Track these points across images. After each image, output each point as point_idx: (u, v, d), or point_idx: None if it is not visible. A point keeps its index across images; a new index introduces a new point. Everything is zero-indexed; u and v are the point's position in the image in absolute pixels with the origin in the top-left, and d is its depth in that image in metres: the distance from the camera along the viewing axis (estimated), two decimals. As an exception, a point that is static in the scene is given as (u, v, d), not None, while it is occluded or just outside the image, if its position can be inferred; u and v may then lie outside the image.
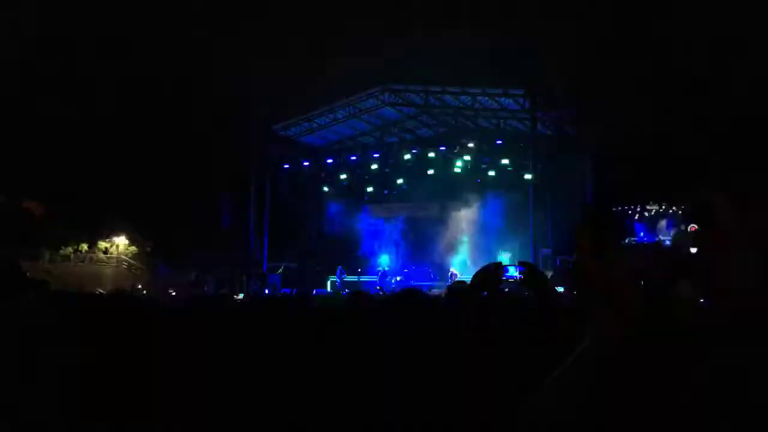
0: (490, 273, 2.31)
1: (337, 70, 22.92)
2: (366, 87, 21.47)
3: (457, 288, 3.08)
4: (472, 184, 21.02)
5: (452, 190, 21.17)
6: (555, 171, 19.14)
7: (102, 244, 29.76)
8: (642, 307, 0.92)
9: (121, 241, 30.37)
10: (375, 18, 24.40)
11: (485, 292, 2.51)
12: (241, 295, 18.14)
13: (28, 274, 2.45)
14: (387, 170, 22.55)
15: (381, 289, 18.04)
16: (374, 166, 22.57)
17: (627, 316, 0.89)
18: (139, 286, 21.02)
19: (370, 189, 23.40)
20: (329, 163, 23.39)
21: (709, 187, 0.95)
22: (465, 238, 20.90)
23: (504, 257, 18.72)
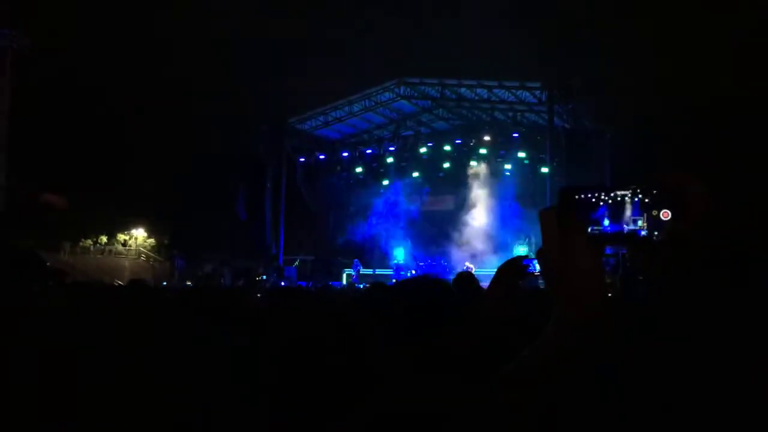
0: (516, 266, 2.30)
1: (353, 64, 22.90)
2: (382, 80, 21.43)
3: (464, 278, 3.07)
4: (488, 177, 20.91)
5: (468, 183, 21.07)
6: (572, 164, 18.97)
7: (121, 237, 30.15)
8: (607, 296, 0.87)
9: (139, 234, 30.74)
10: (391, 11, 24.34)
11: (509, 285, 2.51)
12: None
13: (48, 264, 2.49)
14: (403, 163, 22.51)
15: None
16: (390, 160, 22.53)
17: (591, 304, 0.86)
18: (164, 283, 21.26)
19: (385, 182, 23.38)
20: (345, 156, 23.39)
21: (684, 168, 0.91)
22: (481, 232, 20.81)
23: (520, 250, 18.62)
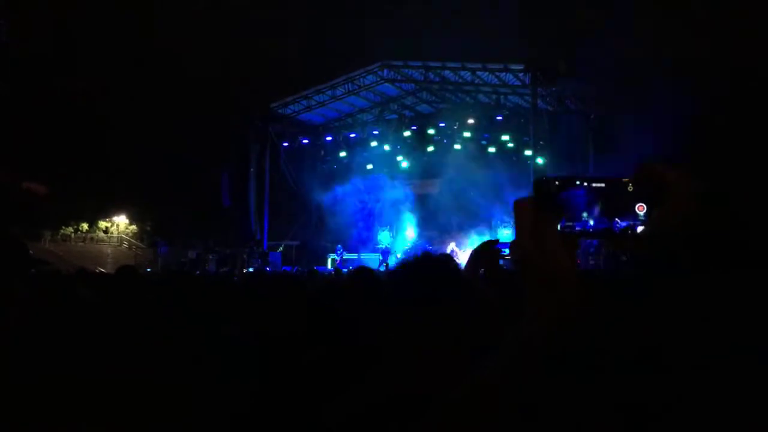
0: (486, 250, 2.31)
1: (336, 47, 22.70)
2: (365, 63, 21.28)
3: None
4: (473, 160, 20.92)
5: (452, 167, 21.06)
6: (556, 147, 19.04)
7: (102, 224, 29.84)
8: (582, 289, 0.85)
9: (121, 221, 30.44)
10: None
11: (482, 269, 2.51)
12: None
13: (31, 252, 2.44)
14: (386, 147, 22.44)
15: (386, 265, 18.21)
16: (374, 143, 22.45)
17: (565, 298, 0.84)
18: (148, 269, 21.04)
19: (369, 166, 23.32)
20: (328, 140, 23.27)
21: (656, 159, 0.89)
22: (465, 215, 20.87)
23: (504, 234, 18.73)
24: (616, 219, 0.91)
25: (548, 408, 0.88)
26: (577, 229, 0.89)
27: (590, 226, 0.89)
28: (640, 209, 0.88)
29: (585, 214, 0.90)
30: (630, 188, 0.90)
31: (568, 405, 0.87)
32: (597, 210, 0.91)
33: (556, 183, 0.90)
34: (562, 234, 0.87)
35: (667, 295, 0.84)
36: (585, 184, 0.91)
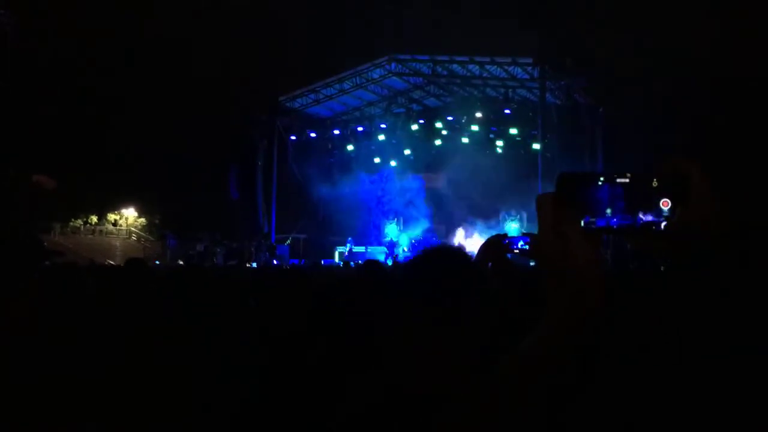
0: (494, 244, 2.34)
1: (344, 40, 22.65)
2: (373, 57, 21.24)
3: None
4: (480, 154, 20.87)
5: (459, 160, 21.04)
6: (564, 140, 18.95)
7: (111, 216, 30.01)
8: (605, 288, 0.84)
9: (130, 213, 30.60)
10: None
11: (490, 263, 2.54)
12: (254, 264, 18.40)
13: (45, 244, 2.47)
14: (394, 141, 22.42)
15: (394, 258, 18.26)
16: (381, 137, 22.44)
17: (581, 298, 0.83)
18: (156, 262, 21.16)
19: (377, 160, 23.32)
20: (336, 134, 23.27)
21: (681, 155, 0.89)
22: (472, 209, 20.85)
23: (512, 228, 18.71)
24: (640, 215, 0.90)
25: (560, 404, 0.89)
26: (600, 225, 0.88)
27: (613, 222, 0.88)
28: (665, 205, 0.87)
29: (609, 210, 0.90)
30: (655, 183, 0.87)
31: (580, 401, 0.88)
32: (620, 206, 0.90)
33: (579, 178, 0.90)
34: (584, 230, 0.87)
35: (678, 293, 0.85)
36: (608, 179, 0.90)
